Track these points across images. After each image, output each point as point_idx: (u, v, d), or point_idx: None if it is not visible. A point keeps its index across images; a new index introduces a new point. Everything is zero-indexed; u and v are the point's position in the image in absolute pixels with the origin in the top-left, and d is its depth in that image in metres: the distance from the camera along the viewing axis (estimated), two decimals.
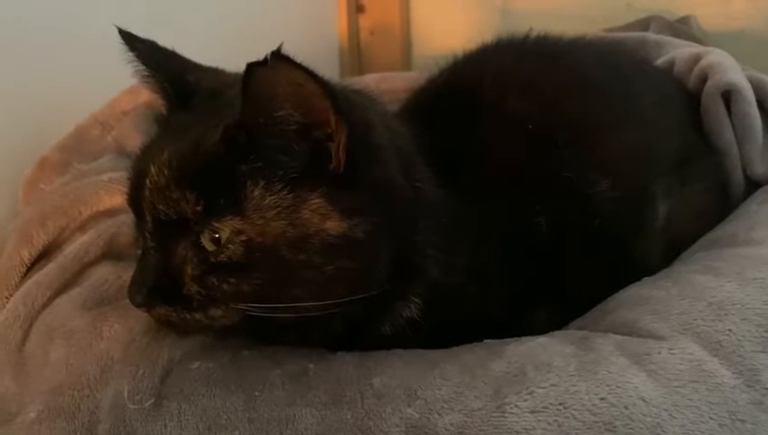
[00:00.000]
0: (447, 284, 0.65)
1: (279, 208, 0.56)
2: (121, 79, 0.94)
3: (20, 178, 0.91)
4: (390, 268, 0.61)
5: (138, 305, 0.59)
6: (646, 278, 0.71)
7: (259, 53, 0.52)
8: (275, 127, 0.55)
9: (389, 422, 0.54)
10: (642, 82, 0.85)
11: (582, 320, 0.68)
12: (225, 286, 0.57)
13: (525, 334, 0.65)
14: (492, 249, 0.68)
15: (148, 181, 0.58)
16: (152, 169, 0.58)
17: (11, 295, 0.75)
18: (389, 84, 1.11)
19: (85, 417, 0.58)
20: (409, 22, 1.55)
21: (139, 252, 0.62)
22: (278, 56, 0.51)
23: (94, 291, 0.69)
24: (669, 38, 1.09)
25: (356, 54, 1.55)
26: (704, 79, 0.90)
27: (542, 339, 0.63)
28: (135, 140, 0.89)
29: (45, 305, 0.70)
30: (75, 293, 0.70)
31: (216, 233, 0.56)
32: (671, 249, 0.77)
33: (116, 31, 0.64)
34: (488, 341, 0.64)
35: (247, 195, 0.56)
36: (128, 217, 0.73)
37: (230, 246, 0.56)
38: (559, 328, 0.67)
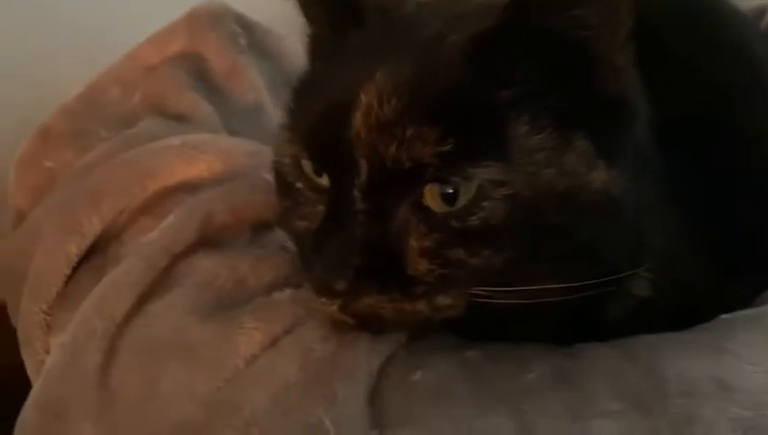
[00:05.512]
0: (667, 252, 0.53)
1: (545, 152, 0.41)
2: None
3: None
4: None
5: (335, 296, 0.42)
6: None
7: None
8: (548, 36, 0.41)
9: (719, 427, 0.41)
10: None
11: None
12: (472, 261, 0.41)
13: (724, 307, 0.54)
14: (692, 211, 0.57)
15: (359, 116, 0.41)
16: (364, 100, 0.41)
17: (53, 306, 0.54)
18: None
19: None
20: None
21: (303, 224, 0.45)
22: None
23: (206, 290, 0.50)
24: None
25: None
26: None
27: None
28: (176, 99, 0.70)
29: (132, 315, 0.50)
30: (177, 295, 0.50)
31: (460, 187, 0.40)
32: None
33: None
34: (724, 316, 0.52)
35: (510, 133, 0.41)
36: (230, 187, 0.55)
37: (485, 203, 0.40)
38: (753, 299, 0.57)
